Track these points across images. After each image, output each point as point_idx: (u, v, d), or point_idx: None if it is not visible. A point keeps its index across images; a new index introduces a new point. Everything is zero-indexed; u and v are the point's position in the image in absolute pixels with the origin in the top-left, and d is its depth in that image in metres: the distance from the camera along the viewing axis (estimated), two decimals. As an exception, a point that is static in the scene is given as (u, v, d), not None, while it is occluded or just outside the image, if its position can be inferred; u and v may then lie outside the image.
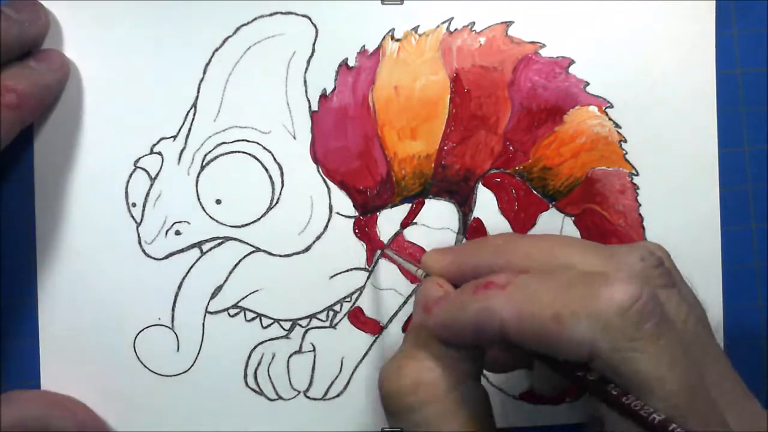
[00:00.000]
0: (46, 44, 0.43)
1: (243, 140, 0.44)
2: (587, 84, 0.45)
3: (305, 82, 0.44)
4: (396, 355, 0.35)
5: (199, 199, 0.44)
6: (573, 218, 0.45)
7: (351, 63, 0.44)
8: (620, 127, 0.45)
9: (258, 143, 0.44)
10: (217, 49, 0.44)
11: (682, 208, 0.46)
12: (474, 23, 0.44)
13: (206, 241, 0.44)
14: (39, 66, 0.41)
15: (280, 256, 0.45)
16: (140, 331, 0.44)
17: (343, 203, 0.45)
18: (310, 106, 0.44)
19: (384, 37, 0.44)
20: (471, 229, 0.45)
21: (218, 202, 0.44)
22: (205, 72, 0.44)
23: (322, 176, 0.44)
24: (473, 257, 0.36)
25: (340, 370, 0.45)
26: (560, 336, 0.30)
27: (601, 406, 0.31)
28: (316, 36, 0.44)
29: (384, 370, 0.35)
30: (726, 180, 0.46)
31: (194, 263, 0.44)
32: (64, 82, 0.43)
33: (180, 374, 0.45)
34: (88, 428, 0.42)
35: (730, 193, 0.46)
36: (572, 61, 0.45)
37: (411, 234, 0.45)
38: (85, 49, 0.44)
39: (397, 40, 0.44)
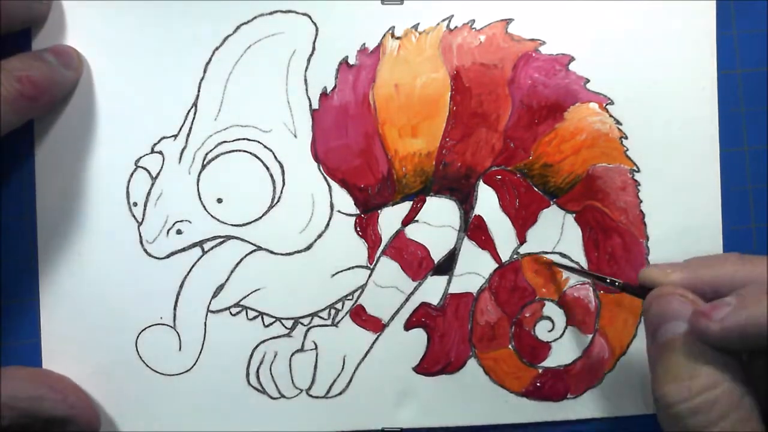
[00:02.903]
0: (45, 42, 0.43)
1: (244, 139, 0.44)
2: (587, 81, 0.45)
3: (306, 80, 0.44)
4: (670, 373, 0.36)
5: (200, 198, 0.44)
6: (574, 215, 0.45)
7: (351, 61, 0.44)
8: (621, 124, 0.45)
9: (259, 142, 0.44)
10: (217, 48, 0.44)
11: (683, 205, 0.46)
12: (474, 21, 0.44)
13: (207, 240, 0.44)
14: (55, 61, 0.42)
15: (282, 254, 0.45)
16: (142, 331, 0.45)
17: (345, 201, 0.45)
18: (310, 105, 0.44)
19: (384, 35, 0.44)
20: (472, 226, 0.45)
21: (219, 201, 0.44)
22: (205, 71, 0.44)
23: (323, 174, 0.45)
24: (713, 272, 0.38)
25: (343, 369, 0.45)
26: None
27: None
28: (317, 34, 0.44)
29: (669, 392, 0.35)
30: (726, 180, 0.46)
31: (196, 262, 0.44)
32: (77, 82, 0.43)
33: (182, 373, 0.45)
34: (78, 412, 0.42)
35: (730, 193, 0.46)
36: (572, 58, 0.45)
37: (412, 232, 0.45)
38: (84, 49, 0.44)
39: (398, 38, 0.44)
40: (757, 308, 0.33)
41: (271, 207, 0.45)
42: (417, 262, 0.45)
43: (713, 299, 0.36)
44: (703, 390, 0.34)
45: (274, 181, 0.44)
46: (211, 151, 0.44)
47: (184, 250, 0.44)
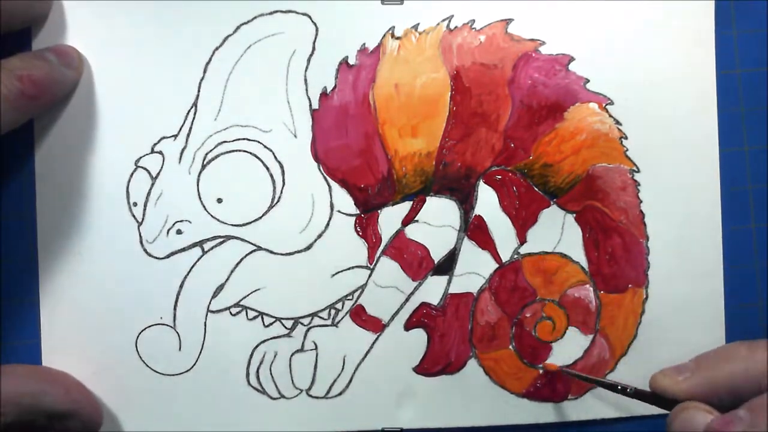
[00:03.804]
0: (45, 42, 0.43)
1: (244, 139, 0.44)
2: (587, 81, 0.45)
3: (306, 80, 0.44)
4: None
5: (200, 198, 0.44)
6: (574, 215, 0.45)
7: (351, 61, 0.44)
8: (621, 124, 0.45)
9: (259, 142, 0.44)
10: (217, 48, 0.44)
11: (683, 205, 0.46)
12: (474, 21, 0.44)
13: (207, 240, 0.44)
14: (56, 60, 0.42)
15: (282, 254, 0.45)
16: (142, 331, 0.45)
17: (345, 201, 0.45)
18: (310, 105, 0.44)
19: (384, 35, 0.44)
20: (472, 226, 0.45)
21: (219, 201, 0.44)
22: (205, 71, 0.44)
23: (323, 174, 0.45)
24: (726, 374, 0.38)
25: (342, 369, 0.45)
26: None
27: None
28: (317, 34, 0.44)
29: None
30: (726, 180, 0.46)
31: (196, 262, 0.44)
32: (77, 81, 0.43)
33: (182, 373, 0.45)
34: (80, 406, 0.42)
35: (730, 193, 0.46)
36: (572, 58, 0.45)
37: (412, 232, 0.45)
38: (84, 49, 0.44)
39: (398, 38, 0.44)
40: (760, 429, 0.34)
41: (271, 207, 0.44)
42: (417, 262, 0.45)
43: (730, 398, 0.37)
44: None
45: (274, 181, 0.44)
46: (211, 151, 0.44)
47: (184, 250, 0.44)
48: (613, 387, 0.43)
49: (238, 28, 0.44)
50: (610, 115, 0.45)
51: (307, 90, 0.44)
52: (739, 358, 0.39)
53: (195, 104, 0.44)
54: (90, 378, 0.44)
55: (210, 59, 0.44)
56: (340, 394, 0.45)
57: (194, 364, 0.45)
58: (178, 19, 0.44)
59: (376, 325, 0.45)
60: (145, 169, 0.44)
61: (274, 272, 0.45)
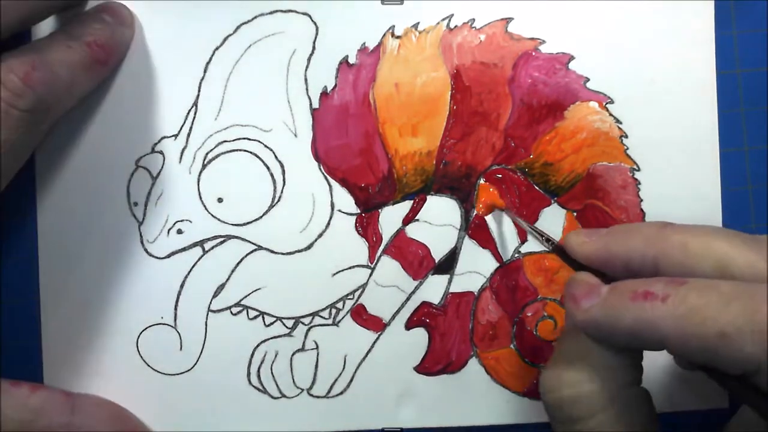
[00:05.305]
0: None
1: (244, 138, 0.44)
2: (587, 80, 0.45)
3: (306, 79, 0.44)
4: (556, 359, 0.35)
5: (200, 197, 0.44)
6: (575, 214, 0.45)
7: (351, 60, 0.44)
8: (621, 123, 0.45)
9: (259, 141, 0.44)
10: (217, 48, 0.44)
11: (683, 204, 0.45)
12: (474, 20, 0.45)
13: (208, 239, 0.44)
14: (112, 20, 0.41)
15: (282, 254, 0.45)
16: (143, 330, 0.45)
17: (345, 201, 0.45)
18: (311, 104, 0.44)
19: (384, 34, 0.44)
20: (473, 225, 0.45)
21: (220, 200, 0.44)
22: (205, 70, 0.44)
23: (323, 174, 0.45)
24: (624, 246, 0.35)
25: (344, 368, 0.45)
26: (725, 352, 0.29)
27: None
28: (317, 33, 0.44)
29: (545, 378, 0.34)
30: (726, 180, 0.46)
31: (196, 262, 0.44)
32: (131, 39, 0.43)
33: (183, 373, 0.45)
34: None
35: (730, 193, 0.46)
36: (572, 57, 0.45)
37: (413, 231, 0.45)
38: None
39: (398, 37, 0.44)
40: (609, 308, 0.32)
41: (271, 206, 0.44)
42: (418, 261, 0.45)
43: (624, 273, 0.35)
44: (571, 384, 0.33)
45: (274, 181, 0.44)
46: (211, 150, 0.44)
47: (184, 249, 0.44)
48: (540, 235, 0.40)
49: (238, 27, 0.44)
50: (611, 114, 0.45)
51: (307, 89, 0.44)
52: (643, 237, 0.35)
53: (195, 104, 0.44)
54: (91, 378, 0.44)
55: (210, 59, 0.44)
56: (341, 393, 0.45)
57: (195, 364, 0.45)
58: (178, 19, 0.44)
59: (376, 325, 0.45)
60: (146, 168, 0.44)
61: (274, 272, 0.45)
